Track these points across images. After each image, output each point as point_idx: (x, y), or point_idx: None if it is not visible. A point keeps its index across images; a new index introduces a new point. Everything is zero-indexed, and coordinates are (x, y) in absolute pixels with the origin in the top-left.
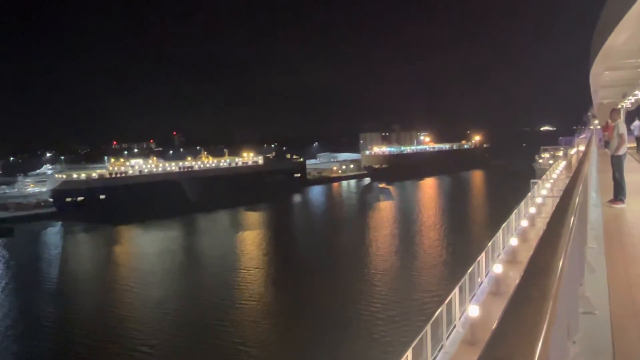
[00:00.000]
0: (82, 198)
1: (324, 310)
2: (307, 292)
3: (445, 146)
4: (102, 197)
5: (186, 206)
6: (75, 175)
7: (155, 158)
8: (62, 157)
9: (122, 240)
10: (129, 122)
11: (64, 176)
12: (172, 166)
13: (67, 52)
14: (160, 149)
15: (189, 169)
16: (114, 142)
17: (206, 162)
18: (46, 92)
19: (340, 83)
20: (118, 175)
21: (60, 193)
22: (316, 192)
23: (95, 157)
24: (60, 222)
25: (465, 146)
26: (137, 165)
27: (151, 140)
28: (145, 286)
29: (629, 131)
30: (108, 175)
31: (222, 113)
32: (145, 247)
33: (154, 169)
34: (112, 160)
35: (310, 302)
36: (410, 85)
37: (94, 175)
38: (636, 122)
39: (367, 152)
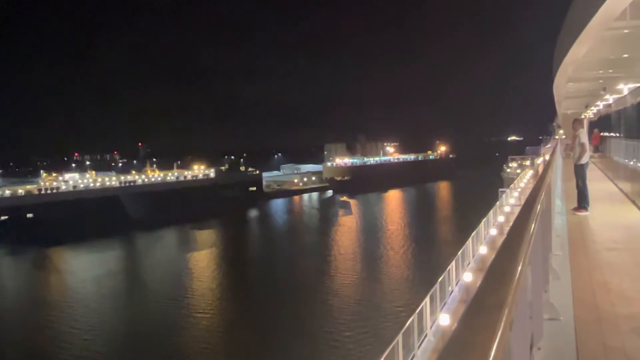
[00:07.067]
0: (6, 217)
1: (282, 341)
2: (260, 321)
3: (410, 157)
4: (29, 215)
5: (126, 224)
6: None
7: (93, 172)
8: (0, 171)
9: (48, 265)
10: (98, 133)
11: None
12: (113, 181)
13: (36, 59)
14: (125, 160)
15: (131, 184)
16: (76, 154)
17: (151, 175)
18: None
19: (308, 93)
20: (49, 192)
21: None
22: (273, 207)
23: (50, 170)
24: None
25: (431, 157)
26: (72, 180)
27: (115, 152)
28: (66, 321)
29: None
30: (37, 192)
31: (189, 124)
32: (70, 272)
33: (91, 184)
34: (44, 175)
35: (264, 333)
36: (380, 95)
37: (20, 191)
38: (595, 132)
39: (329, 164)
